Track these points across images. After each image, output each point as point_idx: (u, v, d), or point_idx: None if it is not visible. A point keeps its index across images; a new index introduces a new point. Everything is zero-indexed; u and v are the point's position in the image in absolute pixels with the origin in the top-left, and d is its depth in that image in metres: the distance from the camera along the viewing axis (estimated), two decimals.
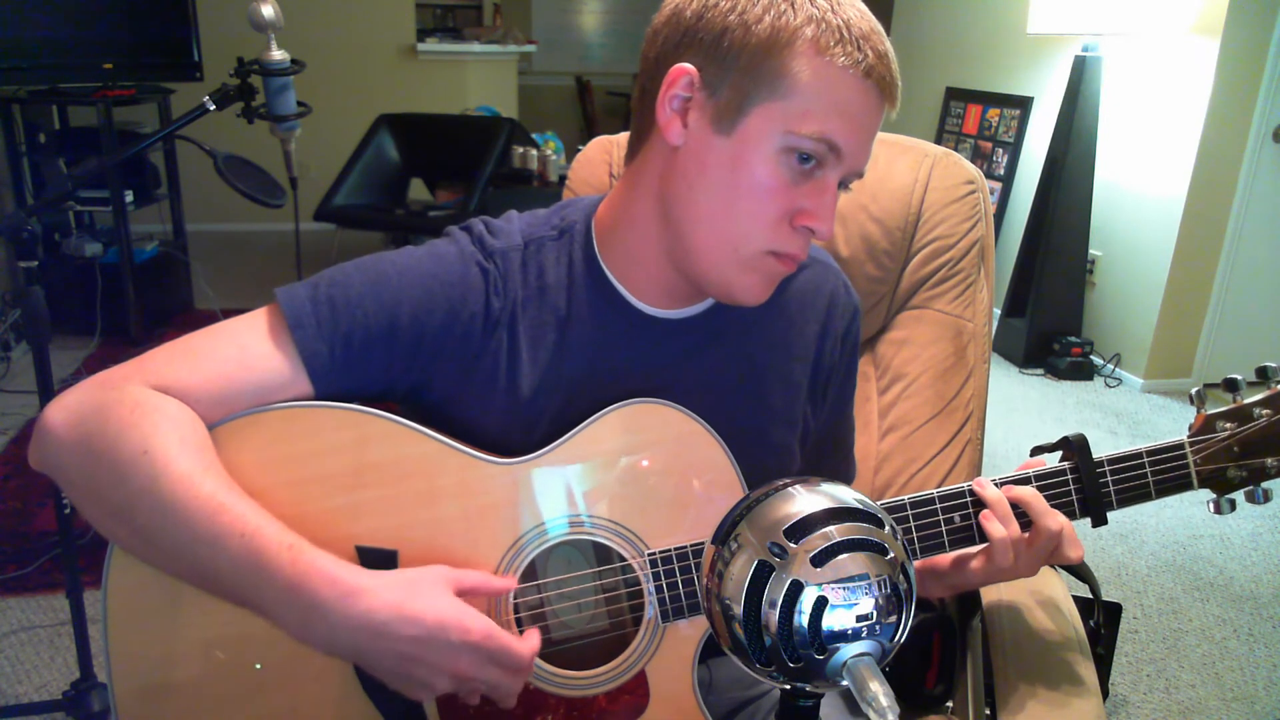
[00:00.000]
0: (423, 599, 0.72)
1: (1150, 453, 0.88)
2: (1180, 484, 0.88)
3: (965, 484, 0.87)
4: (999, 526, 0.85)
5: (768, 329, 0.92)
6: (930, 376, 1.19)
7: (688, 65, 0.76)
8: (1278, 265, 3.54)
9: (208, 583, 0.74)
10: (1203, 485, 0.89)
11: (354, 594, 0.70)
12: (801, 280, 0.81)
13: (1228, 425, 0.88)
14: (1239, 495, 0.89)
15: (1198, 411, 0.89)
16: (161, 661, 0.77)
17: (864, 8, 0.77)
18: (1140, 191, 3.66)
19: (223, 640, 0.77)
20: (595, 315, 0.86)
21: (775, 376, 0.93)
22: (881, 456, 1.20)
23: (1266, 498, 0.88)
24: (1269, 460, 0.88)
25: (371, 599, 0.70)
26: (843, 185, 0.79)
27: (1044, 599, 1.05)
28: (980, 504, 0.87)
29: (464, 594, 0.75)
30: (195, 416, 0.75)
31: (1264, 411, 0.87)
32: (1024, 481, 0.88)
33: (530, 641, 0.77)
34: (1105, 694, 0.99)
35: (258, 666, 0.78)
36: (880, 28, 0.77)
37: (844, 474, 1.08)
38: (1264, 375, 0.88)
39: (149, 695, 0.77)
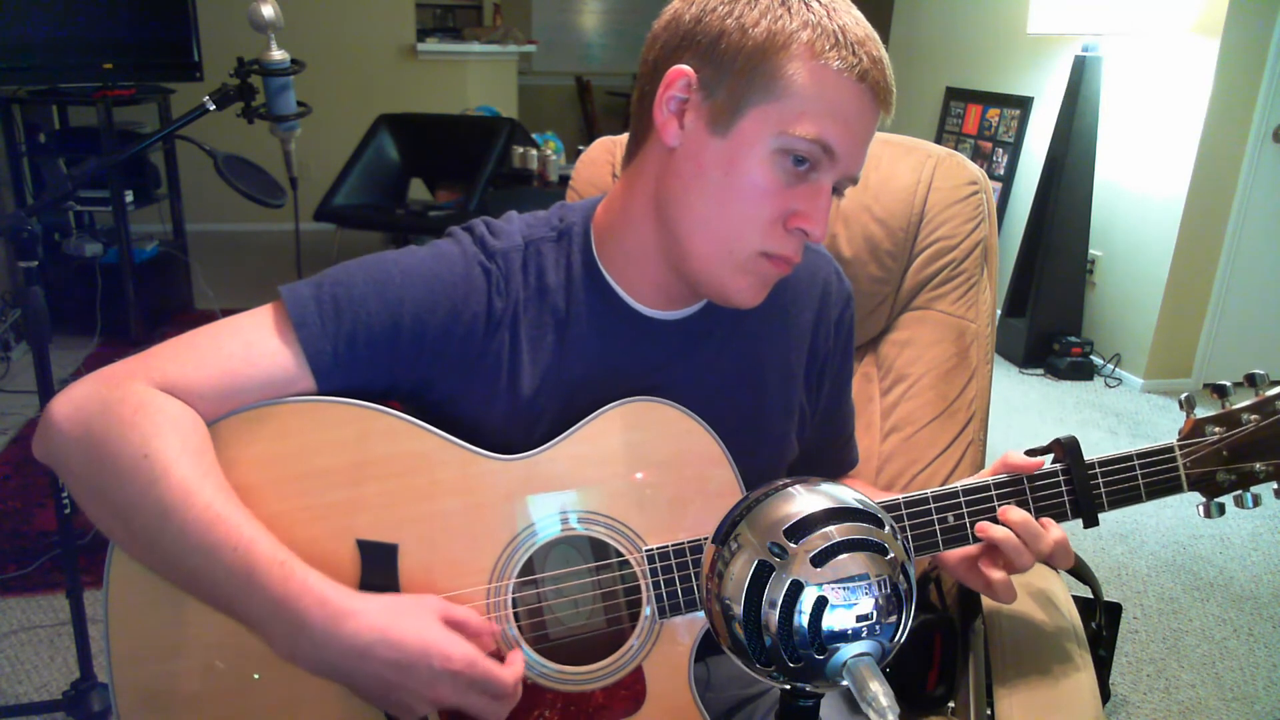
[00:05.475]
0: (408, 625, 0.73)
1: (1140, 455, 0.88)
2: (1170, 486, 0.89)
3: (958, 484, 0.88)
4: (1001, 573, 0.86)
5: (763, 321, 0.92)
6: (933, 377, 1.19)
7: (685, 67, 0.77)
8: (1278, 265, 3.55)
9: (201, 591, 0.74)
10: (1192, 488, 0.89)
11: (341, 616, 0.71)
12: (794, 267, 0.81)
13: (1216, 429, 0.88)
14: (1228, 499, 0.89)
15: (1187, 416, 0.89)
16: (163, 661, 0.77)
17: (859, 14, 0.77)
18: (1140, 191, 3.66)
19: (224, 640, 0.77)
20: (594, 316, 0.87)
21: (772, 368, 0.93)
22: (884, 457, 1.20)
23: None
24: (1257, 465, 0.88)
25: (358, 621, 0.71)
26: (837, 191, 0.79)
27: (1044, 600, 1.04)
28: (976, 504, 0.87)
29: (452, 625, 0.75)
30: (197, 417, 0.75)
31: (1252, 417, 0.87)
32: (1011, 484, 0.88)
33: (514, 668, 0.77)
34: (1106, 695, 0.99)
35: (256, 677, 0.78)
36: (875, 35, 0.77)
37: (847, 459, 1.08)
38: (1252, 381, 0.88)
39: (150, 695, 0.77)
